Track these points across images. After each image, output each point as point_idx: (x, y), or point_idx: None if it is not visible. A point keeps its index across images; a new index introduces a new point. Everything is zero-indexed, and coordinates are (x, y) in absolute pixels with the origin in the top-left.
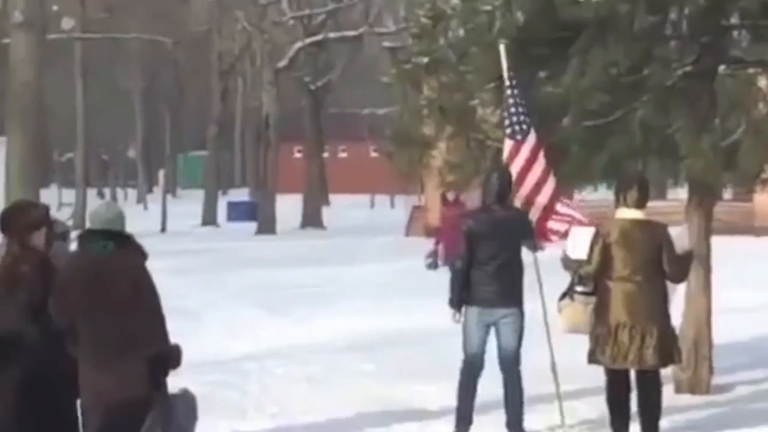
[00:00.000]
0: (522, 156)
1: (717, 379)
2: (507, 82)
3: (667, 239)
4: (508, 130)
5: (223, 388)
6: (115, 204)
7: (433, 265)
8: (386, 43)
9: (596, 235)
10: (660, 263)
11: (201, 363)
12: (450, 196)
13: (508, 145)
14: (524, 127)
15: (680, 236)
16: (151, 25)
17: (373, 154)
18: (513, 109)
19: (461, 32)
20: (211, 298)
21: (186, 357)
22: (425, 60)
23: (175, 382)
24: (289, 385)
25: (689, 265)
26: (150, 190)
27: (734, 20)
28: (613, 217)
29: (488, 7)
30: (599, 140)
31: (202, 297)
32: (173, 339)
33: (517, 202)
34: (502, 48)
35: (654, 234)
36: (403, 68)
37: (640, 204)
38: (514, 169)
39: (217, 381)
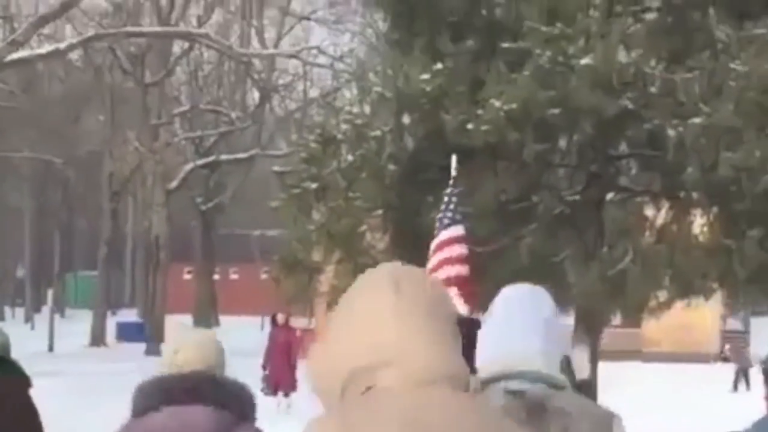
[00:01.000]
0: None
1: None
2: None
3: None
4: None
5: None
6: None
7: (265, 391)
8: (276, 168)
9: None
10: None
11: None
12: (280, 318)
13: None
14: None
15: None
16: (42, 143)
17: (264, 276)
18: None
19: (350, 158)
20: (96, 425)
21: None
22: (314, 185)
23: None
24: None
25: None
26: (38, 310)
27: (622, 149)
28: None
29: (378, 133)
30: (487, 266)
31: (86, 422)
32: None
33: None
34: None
35: None
36: (291, 193)
37: None
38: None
39: None
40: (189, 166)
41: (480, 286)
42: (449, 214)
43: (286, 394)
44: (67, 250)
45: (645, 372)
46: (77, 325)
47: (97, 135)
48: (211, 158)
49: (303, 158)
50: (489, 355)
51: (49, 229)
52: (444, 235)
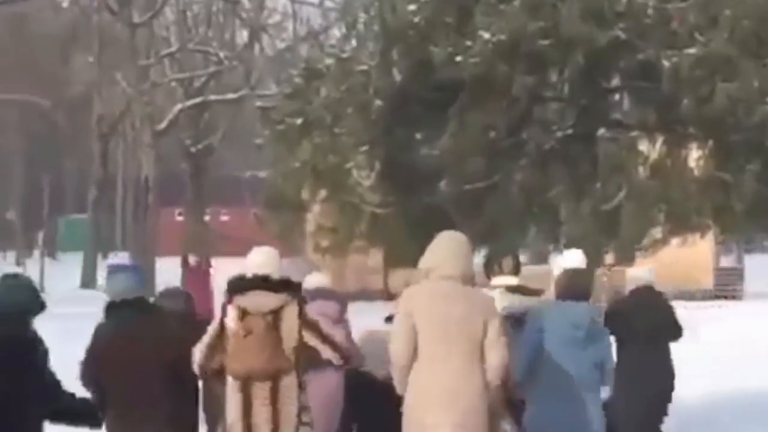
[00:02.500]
0: None
1: None
2: None
3: None
4: None
5: None
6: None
7: None
8: (259, 103)
9: None
10: None
11: None
12: (192, 260)
13: None
14: None
15: None
16: (30, 85)
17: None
18: None
19: (336, 93)
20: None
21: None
22: (299, 121)
23: None
24: None
25: None
26: (29, 254)
27: (615, 82)
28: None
29: (364, 67)
30: (477, 204)
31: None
32: None
33: None
34: None
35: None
36: (276, 129)
37: (516, 271)
38: None
39: None
40: (178, 107)
41: (473, 224)
42: None
43: None
44: (57, 193)
45: None
46: (68, 268)
47: (86, 77)
48: (200, 99)
49: (287, 94)
50: None
51: (39, 172)
52: None
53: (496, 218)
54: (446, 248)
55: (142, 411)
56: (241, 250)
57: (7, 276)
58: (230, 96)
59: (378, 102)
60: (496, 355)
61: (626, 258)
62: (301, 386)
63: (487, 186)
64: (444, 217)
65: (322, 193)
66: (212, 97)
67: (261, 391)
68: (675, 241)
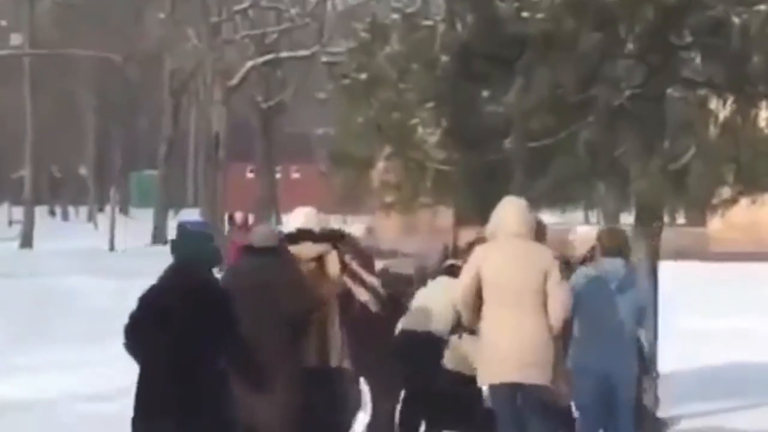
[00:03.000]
0: None
1: (663, 411)
2: None
3: None
4: None
5: None
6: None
7: None
8: (324, 58)
9: None
10: None
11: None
12: (238, 217)
13: None
14: None
15: None
16: (103, 41)
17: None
18: None
19: (401, 48)
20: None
21: None
22: (363, 76)
23: None
24: None
25: None
26: (101, 209)
27: (685, 40)
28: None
29: (430, 22)
30: (544, 162)
31: None
32: None
33: None
34: None
35: None
36: (341, 84)
37: None
38: None
39: None
40: (249, 64)
41: (538, 182)
42: None
43: None
44: (129, 150)
45: (712, 271)
46: (140, 224)
47: (158, 33)
48: (272, 56)
49: (352, 48)
50: None
51: (111, 128)
52: None
53: (562, 176)
54: (509, 210)
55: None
56: (313, 206)
57: (188, 226)
58: (302, 53)
59: (444, 58)
60: (556, 300)
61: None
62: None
63: (553, 144)
64: (510, 174)
65: (387, 149)
66: (284, 54)
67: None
68: (745, 201)
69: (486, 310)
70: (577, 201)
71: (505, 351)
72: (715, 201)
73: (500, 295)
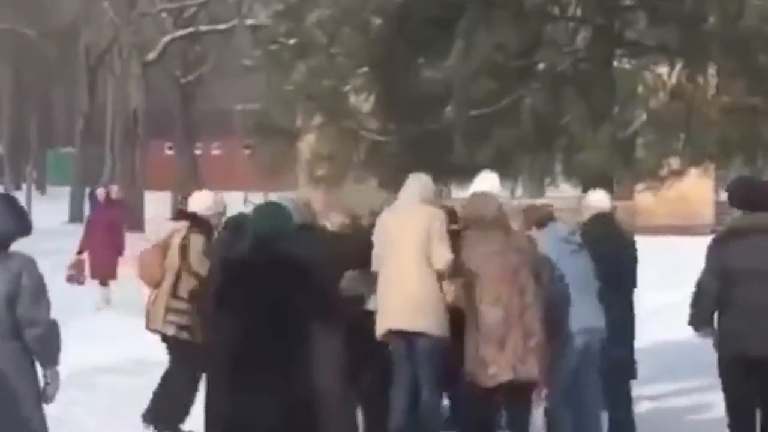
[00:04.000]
0: None
1: None
2: None
3: None
4: None
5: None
6: None
7: (77, 278)
8: (249, 21)
9: None
10: None
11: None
12: (100, 193)
13: None
14: None
15: None
16: (17, 16)
17: (247, 151)
18: None
19: (332, 10)
20: (73, 303)
21: None
22: (291, 41)
23: None
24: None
25: None
26: (18, 187)
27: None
28: None
29: None
30: (485, 130)
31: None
32: None
33: None
34: None
35: None
36: (267, 50)
37: None
38: None
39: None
40: (167, 38)
41: (479, 151)
42: None
43: (104, 283)
44: (45, 126)
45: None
46: (58, 202)
47: (73, 6)
48: (190, 29)
49: (278, 11)
50: None
51: (27, 105)
52: None
53: (504, 145)
54: (409, 182)
55: None
56: (232, 184)
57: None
58: (221, 26)
59: (377, 20)
60: (437, 248)
61: (647, 188)
62: None
63: (495, 111)
64: (449, 145)
65: (318, 119)
66: (202, 28)
67: None
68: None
69: (382, 268)
70: (521, 172)
71: (393, 302)
72: (663, 172)
73: (390, 253)
